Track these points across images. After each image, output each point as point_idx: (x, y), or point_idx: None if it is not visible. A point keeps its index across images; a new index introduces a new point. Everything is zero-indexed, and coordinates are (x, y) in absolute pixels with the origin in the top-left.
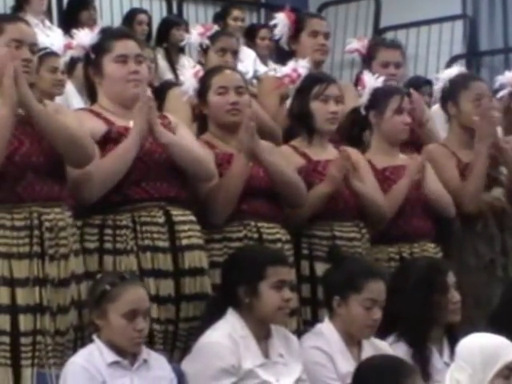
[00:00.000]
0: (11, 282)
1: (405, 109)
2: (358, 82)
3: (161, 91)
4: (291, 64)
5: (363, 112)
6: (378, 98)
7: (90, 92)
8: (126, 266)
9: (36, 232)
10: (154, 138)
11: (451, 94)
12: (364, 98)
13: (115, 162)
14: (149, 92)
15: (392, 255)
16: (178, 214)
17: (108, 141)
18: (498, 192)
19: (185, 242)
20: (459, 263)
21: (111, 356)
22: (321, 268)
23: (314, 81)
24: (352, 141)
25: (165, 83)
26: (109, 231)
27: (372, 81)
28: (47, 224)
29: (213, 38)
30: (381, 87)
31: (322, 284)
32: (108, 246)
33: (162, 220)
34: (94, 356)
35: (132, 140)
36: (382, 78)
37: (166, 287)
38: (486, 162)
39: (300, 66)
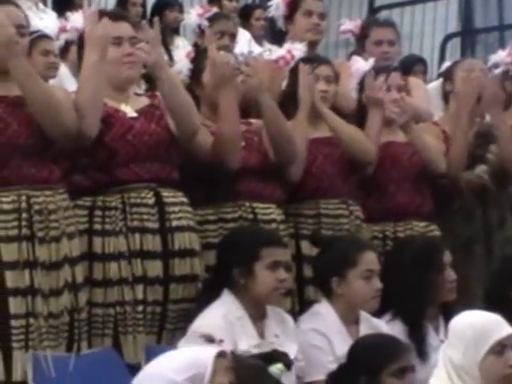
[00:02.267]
0: (1, 265)
1: (392, 85)
2: None
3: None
4: (286, 46)
5: (354, 96)
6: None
7: None
8: (115, 247)
9: (24, 215)
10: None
11: (447, 72)
12: (353, 83)
13: (88, 84)
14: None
15: (375, 234)
16: (168, 195)
17: None
18: (480, 170)
19: (175, 223)
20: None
21: None
22: (307, 246)
23: (306, 61)
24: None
25: None
26: (98, 212)
27: (360, 65)
28: (36, 207)
29: (211, 21)
30: (368, 69)
31: (314, 270)
32: (97, 227)
33: (151, 201)
34: None
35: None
36: (371, 61)
37: (154, 268)
38: (467, 128)
39: (295, 49)
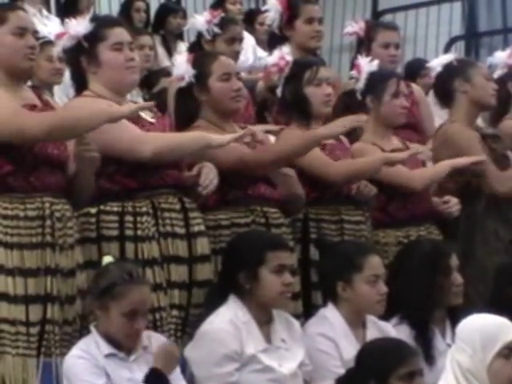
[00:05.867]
0: (24, 272)
1: (401, 92)
2: (353, 66)
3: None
4: (277, 53)
5: (359, 97)
6: (375, 83)
7: (78, 80)
8: (149, 253)
9: (48, 222)
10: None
11: (460, 71)
12: (361, 83)
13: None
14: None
15: (400, 239)
16: (188, 200)
17: None
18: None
19: (196, 228)
20: (482, 244)
21: (107, 348)
22: (315, 251)
23: (304, 66)
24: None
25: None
26: (129, 218)
27: (367, 65)
28: (57, 214)
29: (222, 27)
30: (377, 71)
31: (320, 274)
32: (129, 233)
33: (178, 206)
34: (90, 348)
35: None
36: (376, 62)
37: (182, 273)
38: None
39: (286, 54)
